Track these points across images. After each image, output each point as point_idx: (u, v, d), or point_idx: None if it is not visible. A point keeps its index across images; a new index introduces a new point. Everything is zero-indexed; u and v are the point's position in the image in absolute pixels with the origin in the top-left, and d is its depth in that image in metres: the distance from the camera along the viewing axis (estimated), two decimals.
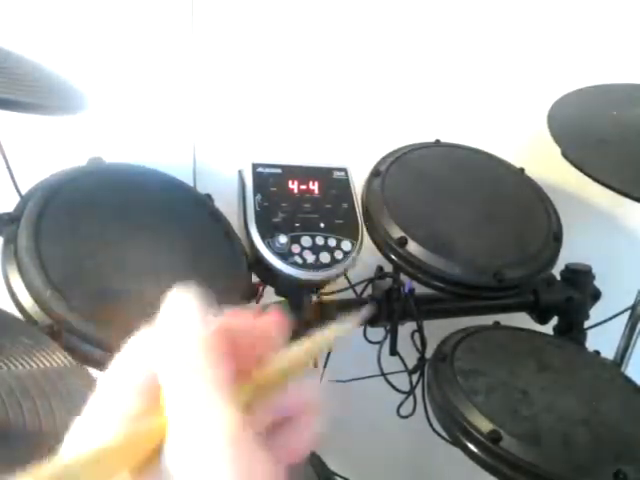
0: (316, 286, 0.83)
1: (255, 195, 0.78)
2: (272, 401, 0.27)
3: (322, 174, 0.83)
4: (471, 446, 0.68)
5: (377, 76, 1.00)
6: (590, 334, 0.97)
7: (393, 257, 0.80)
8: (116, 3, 0.87)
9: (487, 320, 0.92)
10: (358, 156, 0.90)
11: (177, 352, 0.24)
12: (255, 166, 0.81)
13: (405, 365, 0.91)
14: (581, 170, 0.79)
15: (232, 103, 0.96)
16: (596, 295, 0.98)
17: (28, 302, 0.62)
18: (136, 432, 0.23)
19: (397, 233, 0.80)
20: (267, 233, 0.76)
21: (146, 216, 0.75)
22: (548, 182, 0.98)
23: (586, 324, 0.98)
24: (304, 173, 0.82)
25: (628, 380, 0.82)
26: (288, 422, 0.27)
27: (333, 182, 0.83)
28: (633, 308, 0.99)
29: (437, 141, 0.96)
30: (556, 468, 0.65)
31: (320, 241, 0.78)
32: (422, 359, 0.88)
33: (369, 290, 0.94)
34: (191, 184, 0.94)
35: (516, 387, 0.74)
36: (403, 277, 0.86)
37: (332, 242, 0.78)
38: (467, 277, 0.79)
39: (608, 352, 0.96)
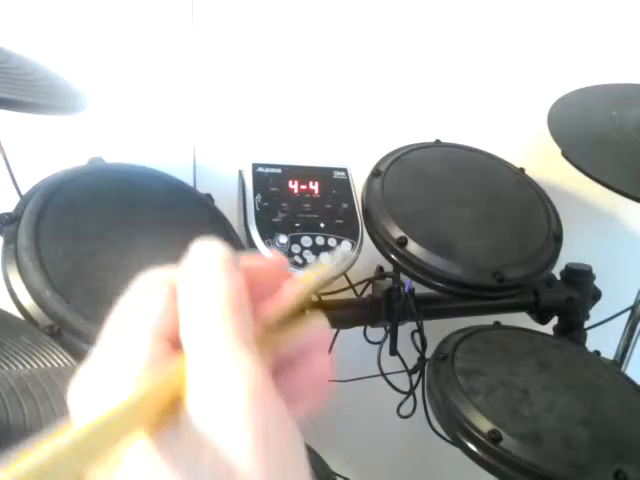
0: None
1: (255, 195, 0.78)
2: (280, 343, 0.27)
3: (322, 174, 0.83)
4: (471, 446, 0.68)
5: (377, 76, 1.00)
6: (590, 334, 0.97)
7: (393, 257, 0.80)
8: (116, 3, 0.87)
9: (487, 320, 0.92)
10: (358, 156, 0.90)
11: (201, 298, 0.24)
12: (255, 166, 0.81)
13: (405, 365, 0.91)
14: (581, 170, 0.79)
15: (232, 103, 0.96)
16: (596, 295, 0.98)
17: (28, 302, 0.62)
18: (155, 382, 0.22)
19: (397, 233, 0.80)
20: (267, 233, 0.76)
21: (146, 216, 0.75)
22: (548, 182, 0.98)
23: (586, 324, 0.98)
24: (304, 173, 0.82)
25: (628, 380, 0.82)
26: (297, 364, 0.27)
27: (333, 182, 0.83)
28: (633, 308, 0.99)
29: (437, 141, 0.96)
30: (556, 468, 0.65)
31: (320, 241, 0.78)
32: (422, 359, 0.88)
33: (369, 290, 0.94)
34: (191, 184, 0.94)
35: (516, 387, 0.75)
36: (403, 277, 0.86)
37: (332, 242, 0.78)
38: (467, 277, 0.79)
39: (608, 352, 0.96)
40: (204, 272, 0.25)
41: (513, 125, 1.07)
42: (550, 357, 0.83)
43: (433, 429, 0.82)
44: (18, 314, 0.62)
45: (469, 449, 0.69)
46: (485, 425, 0.68)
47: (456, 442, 0.71)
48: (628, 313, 1.00)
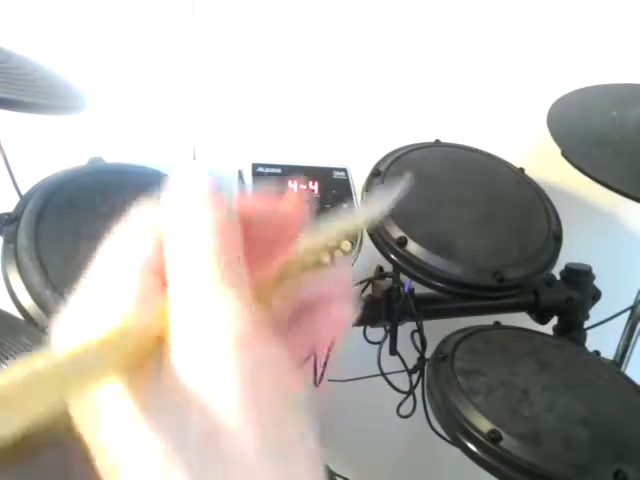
0: None
1: None
2: (297, 288, 0.25)
3: (322, 174, 0.83)
4: (471, 446, 0.68)
5: (377, 76, 1.00)
6: (590, 334, 0.97)
7: (393, 257, 0.80)
8: (116, 3, 0.87)
9: (487, 320, 0.92)
10: (358, 156, 0.90)
11: (184, 237, 0.22)
12: (255, 166, 0.81)
13: (405, 365, 0.91)
14: (581, 170, 0.79)
15: (232, 103, 0.96)
16: (596, 295, 0.98)
17: (28, 302, 0.62)
18: (140, 321, 0.20)
19: (397, 233, 0.80)
20: None
21: None
22: (548, 182, 0.98)
23: (586, 324, 0.98)
24: (304, 173, 0.82)
25: (628, 380, 0.82)
26: (316, 309, 0.25)
27: (333, 182, 0.83)
28: (633, 308, 0.99)
29: (437, 141, 0.96)
30: (556, 468, 0.65)
31: None
32: (422, 359, 0.88)
33: (369, 290, 0.94)
34: None
35: (516, 387, 0.74)
36: (403, 277, 0.86)
37: (332, 242, 0.78)
38: (467, 277, 0.79)
39: (608, 352, 0.96)
40: (187, 211, 0.23)
41: (513, 125, 1.06)
42: (550, 357, 0.83)
43: (433, 429, 0.82)
44: (18, 314, 0.62)
45: (469, 449, 0.69)
46: (485, 425, 0.68)
47: (456, 442, 0.71)
48: (628, 313, 1.00)
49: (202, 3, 0.90)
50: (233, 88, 0.95)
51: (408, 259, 0.79)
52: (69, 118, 0.83)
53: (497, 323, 0.92)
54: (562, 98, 0.93)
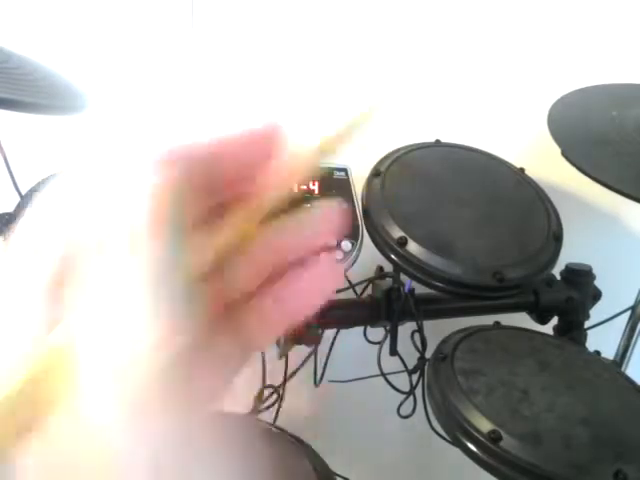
0: None
1: None
2: (272, 240, 0.20)
3: (322, 174, 0.83)
4: (471, 446, 0.68)
5: (377, 76, 0.99)
6: (590, 334, 0.97)
7: (393, 257, 0.80)
8: (116, 3, 0.87)
9: (487, 320, 0.92)
10: (358, 156, 0.90)
11: (99, 228, 0.17)
12: None
13: (405, 365, 0.91)
14: (581, 170, 0.79)
15: (231, 103, 0.96)
16: (596, 295, 0.98)
17: None
18: (41, 358, 0.17)
19: (397, 233, 0.80)
20: None
21: None
22: (548, 182, 0.98)
23: (586, 324, 0.98)
24: None
25: (628, 380, 0.82)
26: (298, 267, 0.21)
27: (333, 182, 0.83)
28: (633, 308, 0.99)
29: (437, 141, 0.96)
30: (556, 468, 0.64)
31: None
32: (422, 359, 0.88)
33: (369, 290, 0.94)
34: None
35: (516, 387, 0.74)
36: (403, 277, 0.86)
37: (332, 242, 0.78)
38: (467, 277, 0.79)
39: (608, 352, 0.96)
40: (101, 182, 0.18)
41: (513, 125, 1.06)
42: (550, 357, 0.82)
43: (433, 429, 0.82)
44: None
45: (469, 449, 0.68)
46: (485, 425, 0.68)
47: (456, 442, 0.71)
48: (628, 313, 1.00)
49: (202, 3, 0.90)
50: (232, 87, 0.95)
51: (408, 259, 0.79)
52: (69, 118, 0.83)
53: (497, 323, 0.92)
54: (562, 98, 0.93)
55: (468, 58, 1.02)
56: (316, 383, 0.94)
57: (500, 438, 0.66)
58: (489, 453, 0.67)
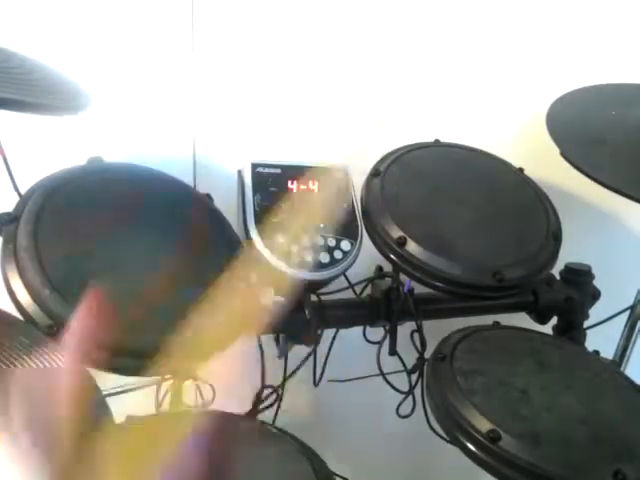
0: (315, 286, 0.83)
1: (255, 195, 0.78)
2: None
3: (322, 174, 0.83)
4: (470, 446, 0.68)
5: (377, 76, 0.99)
6: (590, 334, 0.97)
7: (392, 257, 0.80)
8: (116, 3, 0.87)
9: (487, 320, 0.92)
10: (358, 156, 0.90)
11: None
12: (255, 166, 0.81)
13: (404, 365, 0.91)
14: (580, 170, 0.79)
15: (232, 103, 0.96)
16: (595, 295, 0.98)
17: (27, 302, 0.62)
18: None
19: (396, 233, 0.80)
20: (267, 233, 0.76)
21: (146, 216, 0.75)
22: (548, 182, 0.98)
23: (586, 324, 0.98)
24: (304, 173, 0.82)
25: (628, 380, 0.82)
26: None
27: (333, 182, 0.83)
28: (632, 308, 0.99)
29: (437, 141, 0.96)
30: (555, 468, 0.65)
31: (320, 241, 0.78)
32: (421, 359, 0.88)
33: (368, 290, 0.94)
34: (191, 184, 0.94)
35: (515, 387, 0.74)
36: (402, 277, 0.86)
37: (331, 242, 0.78)
38: (467, 277, 0.79)
39: (608, 352, 0.96)
40: None
41: (512, 125, 1.07)
42: (549, 357, 0.83)
43: (432, 429, 0.82)
44: (17, 314, 0.62)
45: (468, 449, 0.69)
46: (484, 425, 0.68)
47: (455, 442, 0.71)
48: (627, 313, 1.00)
49: (202, 3, 0.90)
50: (233, 88, 0.95)
51: (408, 259, 0.79)
52: (69, 118, 0.83)
53: (497, 323, 0.92)
54: (561, 98, 0.93)
55: (468, 58, 1.02)
56: (315, 383, 0.94)
57: (499, 438, 0.66)
58: (488, 453, 0.67)
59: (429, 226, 0.82)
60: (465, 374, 0.76)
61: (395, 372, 0.90)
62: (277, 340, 0.88)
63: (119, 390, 0.76)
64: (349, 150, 1.00)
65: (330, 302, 0.88)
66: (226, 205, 0.83)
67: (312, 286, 0.82)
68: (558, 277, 0.98)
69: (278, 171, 0.81)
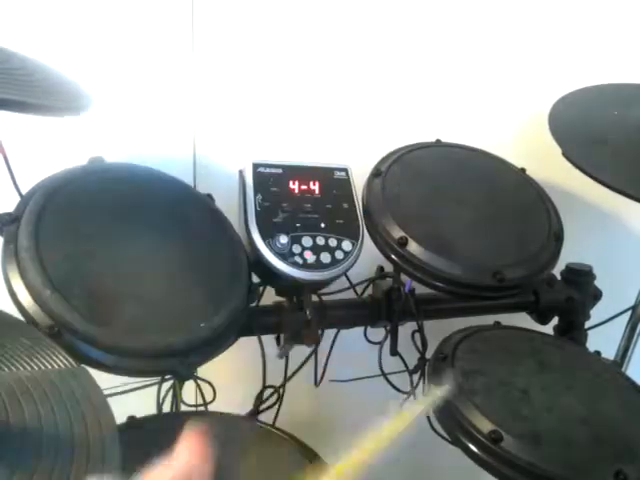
0: (317, 286, 0.83)
1: (256, 195, 0.78)
2: None
3: (323, 174, 0.83)
4: (471, 446, 0.68)
5: (377, 76, 0.99)
6: (591, 334, 0.97)
7: (393, 257, 0.80)
8: (117, 3, 0.87)
9: (487, 320, 0.92)
10: (359, 156, 0.90)
11: None
12: (256, 166, 0.81)
13: (406, 365, 0.91)
14: (582, 170, 0.79)
15: (233, 103, 0.96)
16: (597, 295, 0.98)
17: (28, 302, 0.62)
18: None
19: (397, 233, 0.80)
20: (268, 233, 0.76)
21: (146, 216, 0.75)
22: (549, 182, 0.98)
23: (587, 324, 0.98)
24: (305, 173, 0.82)
25: (629, 380, 0.82)
26: None
27: (334, 182, 0.83)
28: (634, 308, 0.99)
29: (437, 141, 0.96)
30: (556, 468, 0.65)
31: (321, 241, 0.78)
32: (423, 359, 0.88)
33: (370, 290, 0.94)
34: (192, 184, 0.94)
35: (516, 387, 0.74)
36: (403, 277, 0.86)
37: (333, 242, 0.78)
38: (467, 277, 0.79)
39: (609, 352, 0.96)
40: None
41: (514, 125, 1.06)
42: (550, 357, 0.83)
43: (433, 429, 0.82)
44: (18, 314, 0.62)
45: (469, 449, 0.69)
46: (485, 425, 0.68)
47: (456, 442, 0.71)
48: (629, 313, 1.00)
49: (202, 3, 0.89)
50: (233, 88, 0.95)
51: (409, 259, 0.79)
52: (70, 119, 0.83)
53: (497, 323, 0.92)
54: (563, 98, 0.93)
55: (469, 58, 1.02)
56: (316, 383, 0.94)
57: (500, 438, 0.66)
58: (489, 453, 0.67)
59: (430, 226, 0.82)
60: (466, 374, 0.76)
61: (396, 372, 0.90)
62: (278, 340, 0.88)
63: (119, 390, 0.76)
64: (350, 150, 1.00)
65: (331, 302, 0.88)
66: (227, 205, 0.83)
67: (313, 286, 0.82)
68: (559, 277, 0.98)
69: (279, 171, 0.81)
